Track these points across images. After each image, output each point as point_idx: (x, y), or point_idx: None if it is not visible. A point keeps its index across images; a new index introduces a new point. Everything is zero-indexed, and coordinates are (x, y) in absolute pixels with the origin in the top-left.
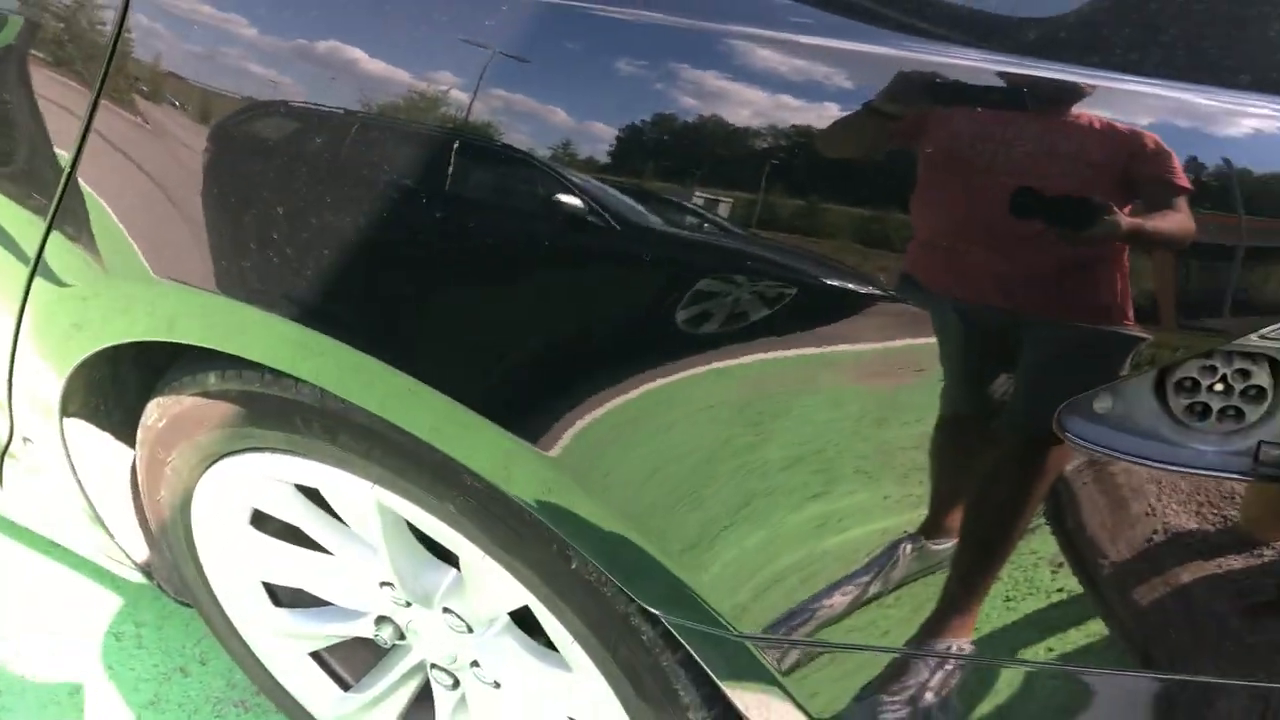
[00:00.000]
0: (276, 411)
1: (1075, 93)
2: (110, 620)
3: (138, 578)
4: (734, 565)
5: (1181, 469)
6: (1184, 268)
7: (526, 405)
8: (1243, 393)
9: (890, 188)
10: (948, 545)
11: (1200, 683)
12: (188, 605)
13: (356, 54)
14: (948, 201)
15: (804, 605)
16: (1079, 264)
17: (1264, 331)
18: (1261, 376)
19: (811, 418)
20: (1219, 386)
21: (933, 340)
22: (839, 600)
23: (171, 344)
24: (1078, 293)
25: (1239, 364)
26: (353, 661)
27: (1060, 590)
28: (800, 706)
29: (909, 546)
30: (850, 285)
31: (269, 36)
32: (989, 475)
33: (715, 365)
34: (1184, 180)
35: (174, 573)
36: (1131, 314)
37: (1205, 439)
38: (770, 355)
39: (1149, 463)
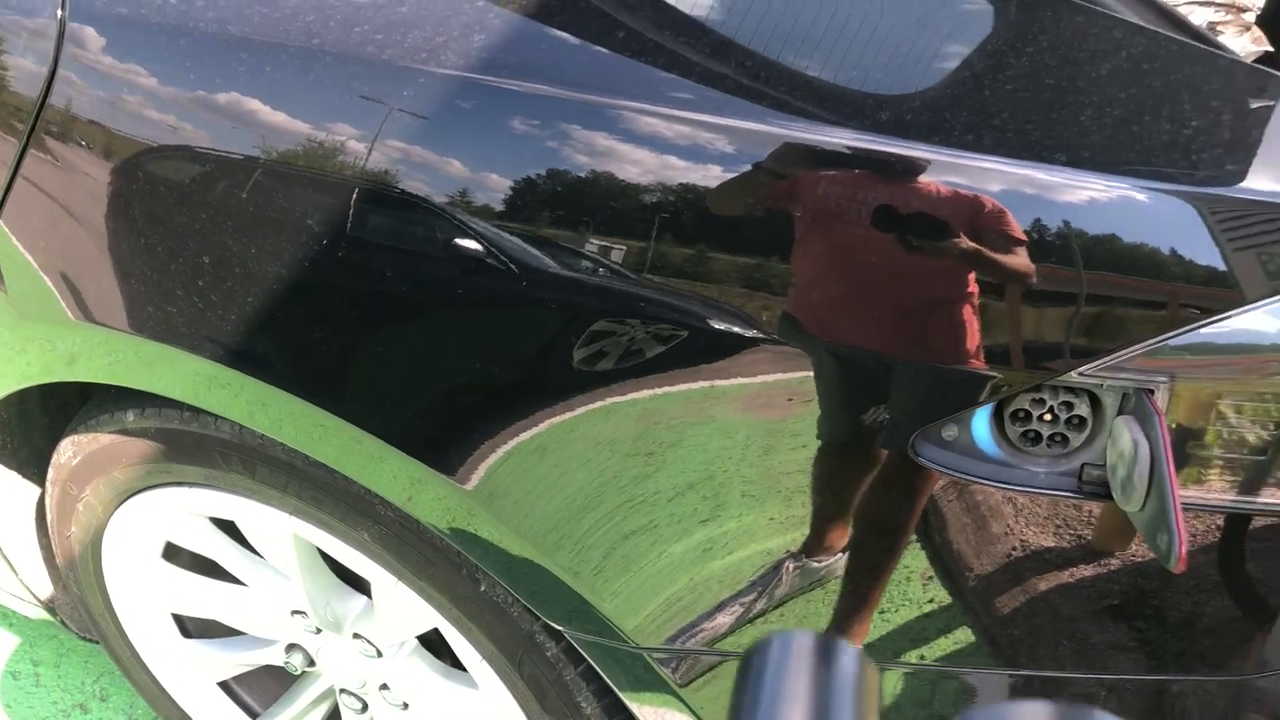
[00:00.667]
0: (195, 447)
1: (924, 165)
2: (7, 659)
3: (39, 614)
4: (634, 584)
5: (1018, 488)
6: (1016, 314)
7: (440, 439)
8: (1067, 422)
9: (771, 241)
10: (827, 562)
11: (1053, 676)
12: (91, 641)
13: (255, 105)
14: (819, 255)
15: (699, 619)
16: (927, 310)
17: (1082, 369)
18: (1082, 408)
19: (702, 447)
20: (1047, 416)
21: (809, 375)
22: (730, 615)
23: (82, 383)
24: (927, 335)
25: (1063, 397)
26: (260, 690)
27: (931, 600)
28: (696, 715)
29: (791, 564)
30: (736, 327)
31: (170, 87)
32: (861, 498)
33: (612, 400)
34: (1018, 234)
35: (79, 608)
36: (972, 354)
37: (1037, 462)
38: (663, 391)
39: (990, 483)
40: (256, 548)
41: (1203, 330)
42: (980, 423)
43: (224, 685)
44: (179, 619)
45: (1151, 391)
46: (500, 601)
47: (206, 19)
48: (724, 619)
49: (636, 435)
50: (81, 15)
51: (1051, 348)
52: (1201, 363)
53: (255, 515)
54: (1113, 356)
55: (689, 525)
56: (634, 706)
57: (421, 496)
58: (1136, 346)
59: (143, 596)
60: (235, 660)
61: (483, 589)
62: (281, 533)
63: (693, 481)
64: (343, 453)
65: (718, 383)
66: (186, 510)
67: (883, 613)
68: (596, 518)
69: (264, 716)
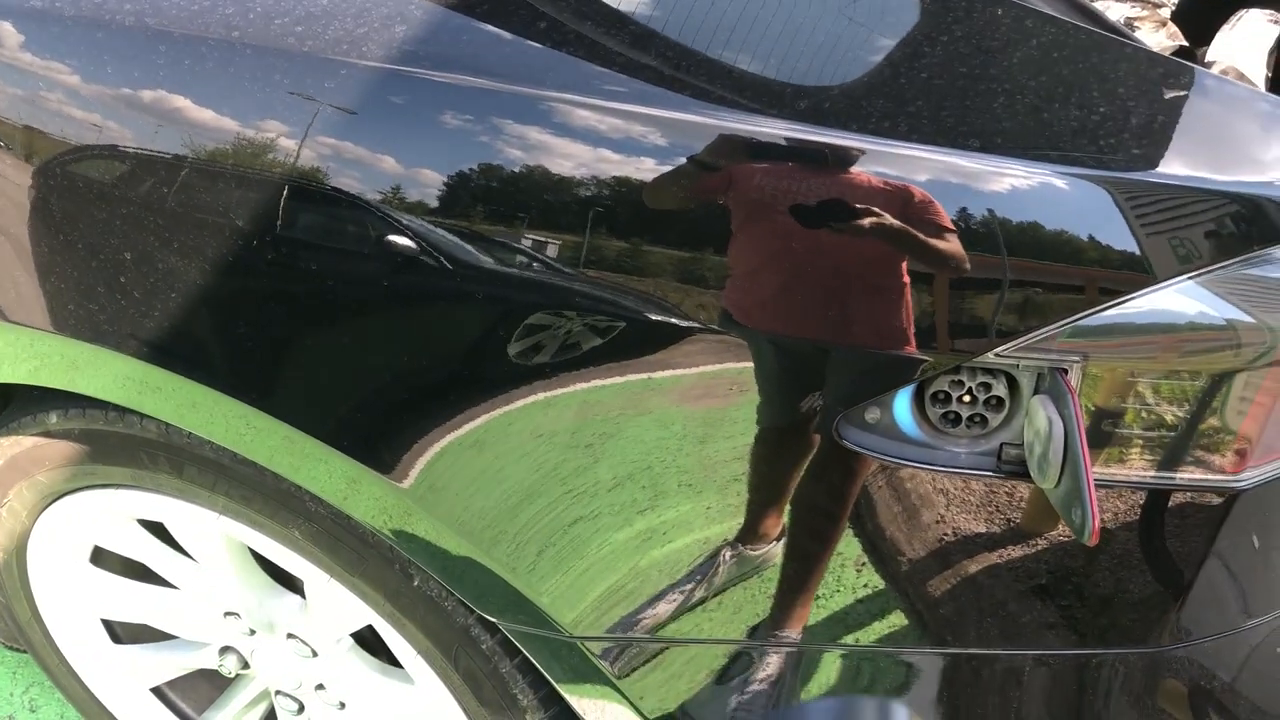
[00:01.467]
0: (121, 448)
1: (850, 154)
2: None
3: None
4: (571, 576)
5: (940, 469)
6: (934, 298)
7: (375, 437)
8: (985, 402)
9: (704, 233)
10: (763, 550)
11: (981, 654)
12: (19, 651)
13: (183, 103)
14: (747, 244)
15: (637, 609)
16: (851, 295)
17: (998, 350)
18: (1000, 388)
19: (640, 438)
20: (966, 398)
21: (744, 365)
22: (668, 603)
23: (3, 385)
24: (851, 319)
25: (981, 378)
26: (195, 695)
27: (865, 585)
28: (632, 705)
29: (729, 553)
30: (672, 319)
31: (94, 85)
32: (793, 484)
33: (550, 394)
34: (940, 220)
35: (4, 617)
36: (892, 337)
37: (958, 443)
38: (600, 383)
39: (913, 464)
40: (186, 549)
41: (1113, 310)
42: (901, 405)
43: (157, 691)
44: (109, 625)
45: (1065, 371)
46: (434, 596)
47: (123, 11)
48: (662, 608)
49: (574, 428)
50: None
51: (968, 329)
52: (1113, 343)
53: (184, 515)
54: (1027, 337)
55: (627, 516)
56: (570, 698)
57: (357, 495)
58: (1050, 327)
59: (71, 603)
60: (168, 665)
61: (416, 584)
62: (211, 532)
63: (631, 472)
64: (275, 452)
65: (655, 374)
66: (113, 513)
67: (819, 598)
68: (534, 511)
69: None
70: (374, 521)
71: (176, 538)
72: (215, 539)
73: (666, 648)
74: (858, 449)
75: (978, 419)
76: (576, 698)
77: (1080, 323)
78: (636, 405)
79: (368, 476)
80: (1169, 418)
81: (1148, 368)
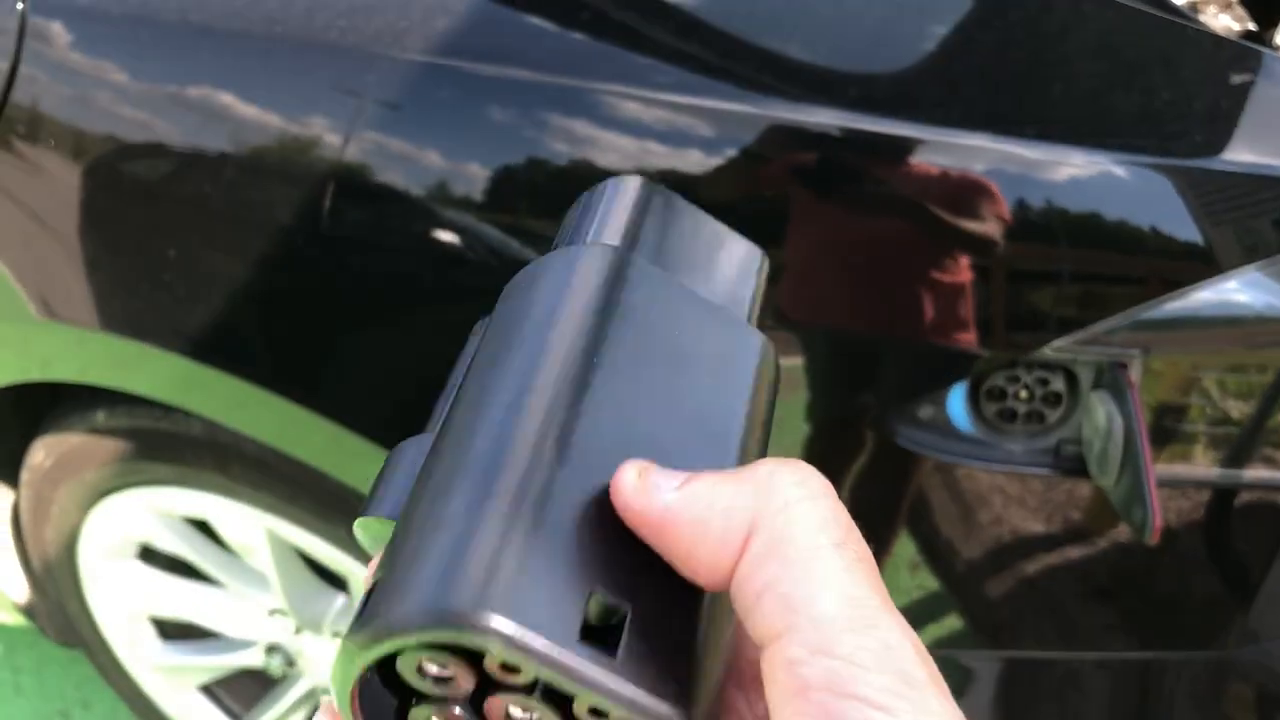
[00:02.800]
0: (167, 446)
1: (905, 143)
2: None
3: (17, 620)
4: None
5: (996, 466)
6: (990, 290)
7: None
8: (1043, 398)
9: (758, 227)
10: None
11: (1040, 657)
12: (70, 647)
13: (229, 99)
14: (799, 236)
15: None
16: (906, 288)
17: (1055, 344)
18: (1058, 384)
19: None
20: (1023, 393)
21: (797, 360)
22: None
23: (53, 384)
24: (905, 313)
25: (1038, 373)
26: (244, 694)
27: (919, 587)
28: None
29: None
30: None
31: (135, 80)
32: (847, 485)
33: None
34: (997, 211)
35: (57, 613)
36: (946, 330)
37: (1014, 439)
38: None
39: (968, 461)
40: (232, 546)
41: (1175, 303)
42: (955, 401)
43: (206, 689)
44: (158, 622)
45: (1125, 366)
46: None
47: (168, 8)
48: None
49: None
50: (42, 9)
51: (1025, 322)
52: (1175, 336)
53: (229, 513)
54: (1086, 330)
55: None
56: None
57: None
58: (1109, 320)
59: (120, 600)
60: (215, 663)
61: None
62: (256, 530)
63: None
64: (323, 449)
65: None
66: (160, 510)
67: None
68: None
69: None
70: None
71: (222, 536)
72: (260, 537)
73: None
74: (911, 447)
75: (1035, 415)
76: None
77: (1141, 315)
78: None
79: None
80: (1234, 413)
81: (1212, 362)
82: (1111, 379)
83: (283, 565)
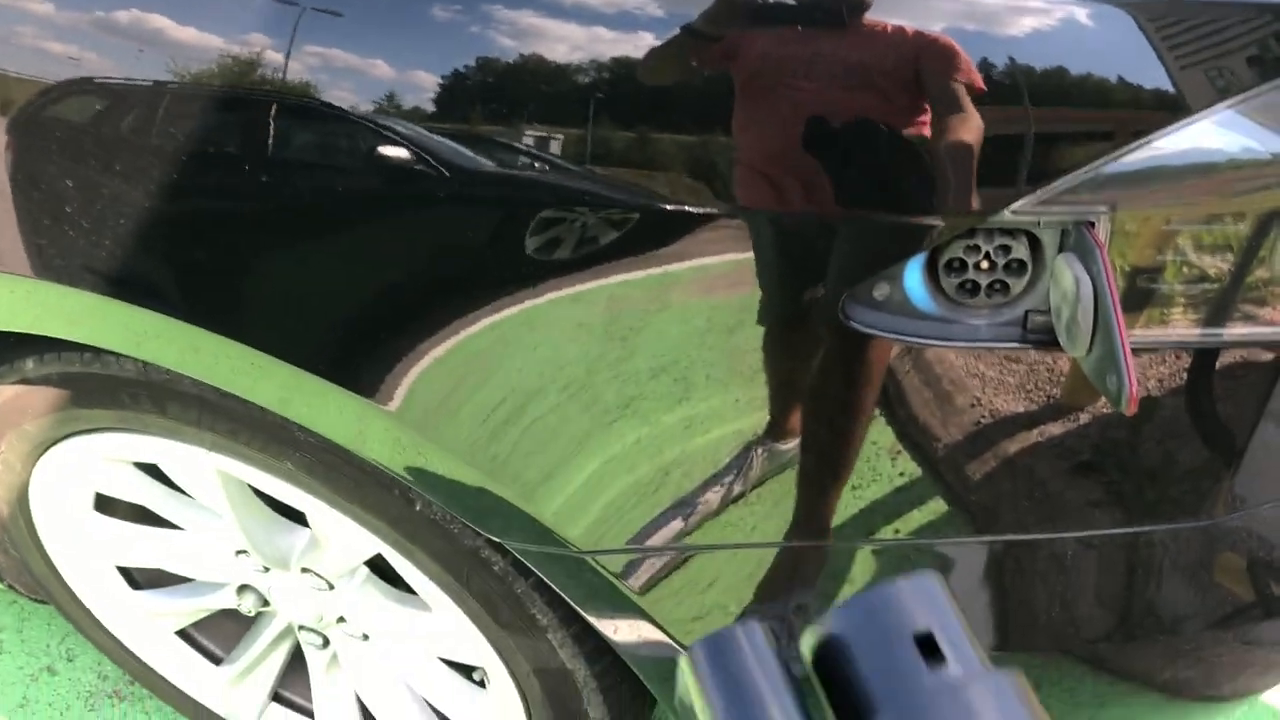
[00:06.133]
0: (101, 390)
1: (858, 3)
2: None
3: None
4: (578, 488)
5: (960, 344)
6: (942, 156)
7: (371, 366)
8: (1006, 267)
9: (708, 110)
10: (792, 445)
11: (1026, 539)
12: (43, 602)
13: (162, 22)
14: (753, 116)
15: (657, 517)
16: (854, 157)
17: (1015, 207)
18: (1021, 250)
19: (661, 334)
20: (984, 264)
21: (749, 252)
22: (688, 509)
23: None
24: (854, 186)
25: (999, 240)
26: (221, 635)
27: (901, 474)
28: (655, 621)
29: (760, 450)
30: (685, 206)
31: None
32: (808, 375)
33: (554, 296)
34: (961, 68)
35: (22, 571)
36: (897, 201)
37: (978, 314)
38: (615, 280)
39: (930, 341)
40: (185, 488)
41: (1142, 153)
42: (912, 277)
43: (184, 634)
44: (126, 571)
45: (1092, 224)
46: (438, 519)
47: None
48: (682, 514)
49: (593, 330)
50: None
51: (982, 186)
52: (1144, 190)
53: (175, 455)
54: (1048, 189)
55: (642, 418)
56: (589, 617)
57: (361, 430)
58: (1072, 175)
59: (82, 552)
60: (188, 607)
61: (418, 508)
62: (205, 470)
63: (654, 369)
64: (256, 383)
65: (671, 266)
66: (105, 457)
67: (854, 488)
68: (533, 422)
69: (227, 661)
70: (383, 456)
71: (172, 478)
72: (210, 476)
73: (689, 558)
74: (866, 329)
75: (998, 286)
76: (595, 616)
77: (1105, 168)
78: (655, 300)
79: (370, 408)
80: (1212, 270)
81: (1185, 214)
82: (1078, 241)
83: (239, 505)
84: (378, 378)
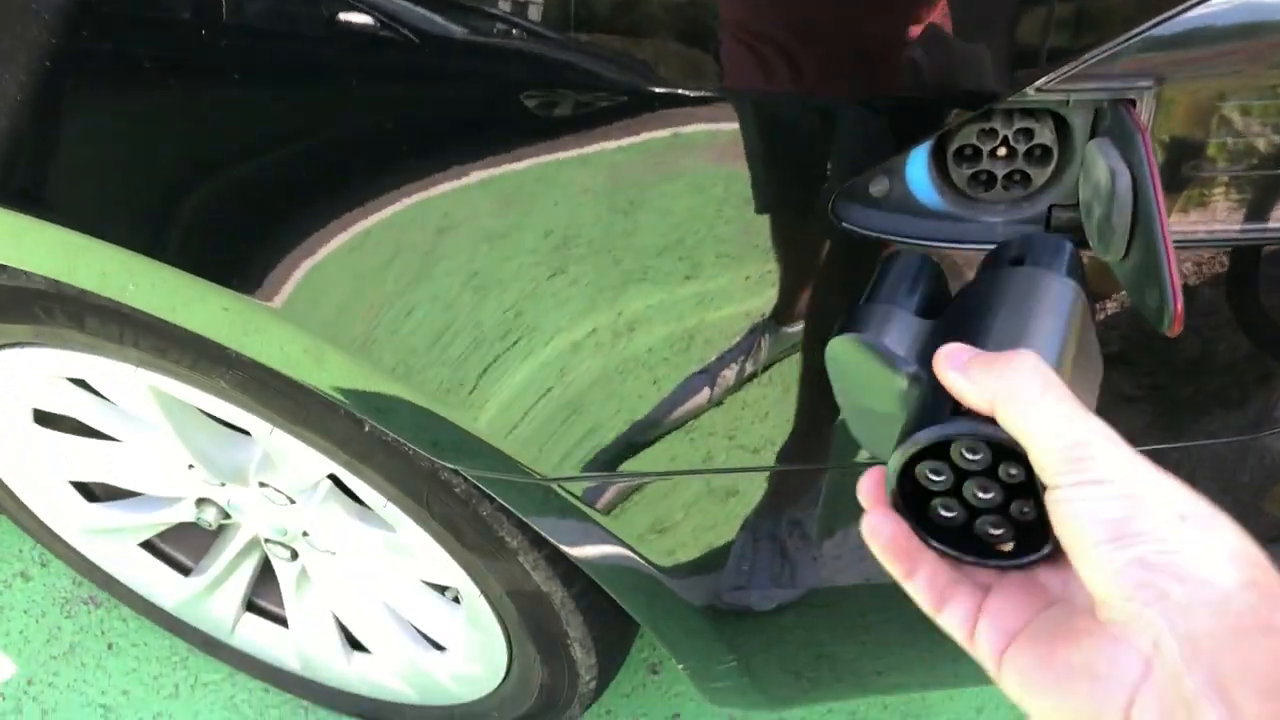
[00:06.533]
0: (12, 302)
1: None
2: None
3: None
4: (526, 398)
5: (971, 246)
6: (953, 25)
7: (239, 259)
8: (1027, 155)
9: None
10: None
11: None
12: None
13: None
14: None
15: (621, 437)
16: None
17: (1040, 83)
18: (1045, 134)
19: (668, 208)
20: (1001, 151)
21: (736, 140)
22: (658, 429)
23: None
24: (850, 63)
25: (1020, 123)
26: (189, 545)
27: None
28: (628, 545)
29: (746, 364)
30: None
31: None
32: (805, 282)
33: (499, 171)
34: None
35: None
36: (899, 78)
37: (992, 210)
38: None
39: (936, 243)
40: (122, 406)
41: (1196, 11)
42: (916, 169)
43: (149, 545)
44: (82, 485)
45: (1132, 103)
46: (390, 441)
47: None
48: (652, 435)
49: (540, 222)
50: None
51: (1002, 59)
52: (1195, 56)
53: (103, 371)
54: (1077, 62)
55: (606, 318)
56: (557, 544)
57: (256, 334)
58: (1108, 45)
59: (28, 466)
60: (146, 521)
61: (367, 429)
62: (138, 387)
63: (665, 245)
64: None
65: (649, 159)
66: (31, 373)
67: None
68: (480, 326)
69: (196, 572)
70: (281, 364)
71: (107, 396)
72: (144, 394)
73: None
74: (860, 231)
75: (1017, 177)
76: (566, 546)
77: (1153, 32)
78: (629, 200)
79: (254, 307)
80: (1265, 148)
81: (1239, 85)
82: (1114, 123)
83: (179, 421)
84: (280, 278)
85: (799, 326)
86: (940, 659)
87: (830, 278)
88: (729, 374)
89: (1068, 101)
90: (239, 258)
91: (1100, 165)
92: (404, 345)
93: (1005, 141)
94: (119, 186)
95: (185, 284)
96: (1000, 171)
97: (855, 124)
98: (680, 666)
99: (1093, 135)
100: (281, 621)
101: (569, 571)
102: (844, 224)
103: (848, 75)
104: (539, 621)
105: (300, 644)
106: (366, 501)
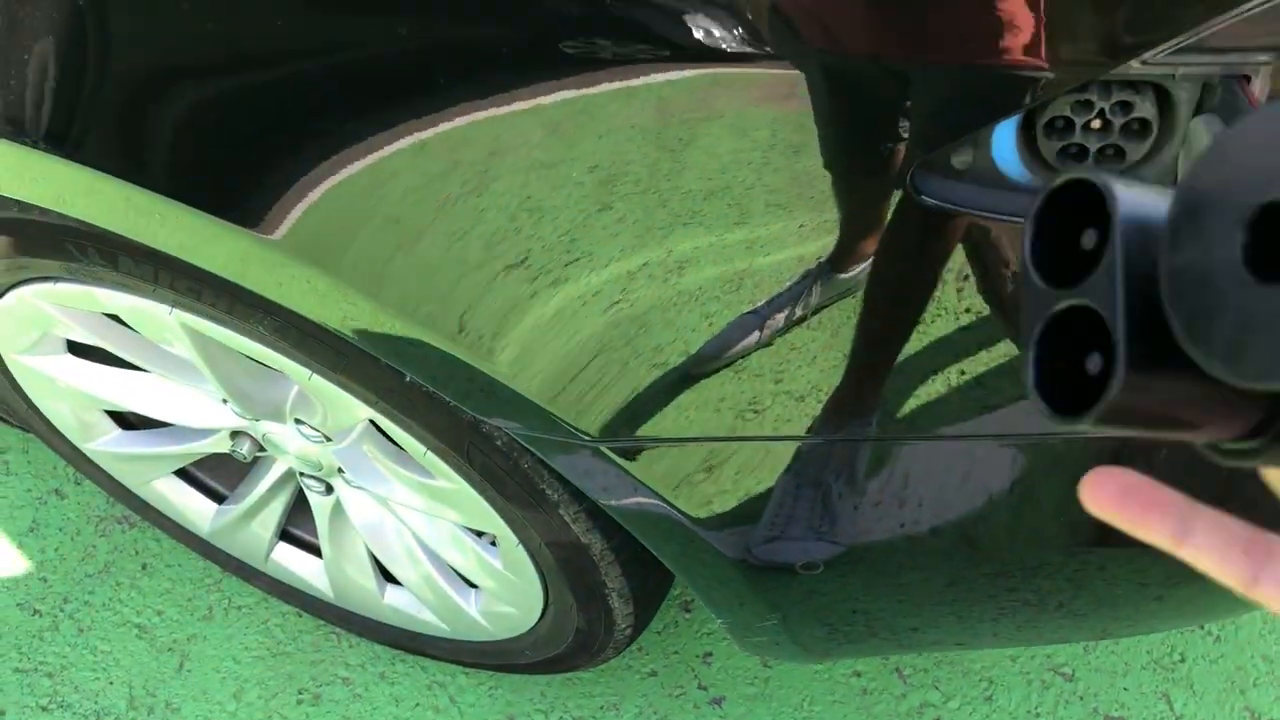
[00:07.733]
0: (45, 238)
1: None
2: None
3: None
4: (569, 354)
5: None
6: None
7: (263, 200)
8: (1123, 130)
9: None
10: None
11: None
12: (29, 432)
13: None
14: None
15: (662, 403)
16: None
17: (1148, 56)
18: (1145, 108)
19: (714, 147)
20: (1096, 124)
21: (807, 102)
22: (711, 393)
23: None
24: (933, 29)
25: (1118, 96)
26: (225, 473)
27: (963, 374)
28: (675, 507)
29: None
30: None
31: None
32: (874, 250)
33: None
34: None
35: (4, 406)
36: (991, 49)
37: None
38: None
39: (1018, 220)
40: (159, 344)
41: None
42: (1003, 141)
43: (184, 474)
44: (115, 413)
45: (1247, 79)
46: (432, 392)
47: None
48: (706, 398)
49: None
50: None
51: (1106, 28)
52: None
53: (137, 310)
54: (1192, 32)
55: (685, 271)
56: (596, 499)
57: (248, 268)
58: (1227, 15)
59: (63, 394)
60: (180, 450)
61: (408, 379)
62: (173, 327)
63: (709, 191)
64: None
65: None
66: (65, 307)
67: (913, 387)
68: (524, 278)
69: (230, 500)
70: (316, 314)
71: (143, 334)
72: (179, 334)
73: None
74: (940, 204)
75: (1111, 152)
76: (604, 499)
77: (1277, 3)
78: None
79: (261, 245)
80: None
81: None
82: (1225, 98)
83: (216, 361)
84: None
85: (874, 291)
86: (979, 619)
87: (898, 249)
88: (783, 333)
89: (1174, 75)
90: (263, 199)
91: (1207, 143)
92: (453, 293)
93: (1101, 114)
94: (142, 128)
95: (204, 224)
96: (1094, 146)
97: (943, 92)
98: (719, 622)
99: (1198, 111)
100: (315, 551)
101: (609, 524)
102: (922, 196)
103: (937, 39)
104: (577, 571)
105: (333, 575)
106: (407, 449)
